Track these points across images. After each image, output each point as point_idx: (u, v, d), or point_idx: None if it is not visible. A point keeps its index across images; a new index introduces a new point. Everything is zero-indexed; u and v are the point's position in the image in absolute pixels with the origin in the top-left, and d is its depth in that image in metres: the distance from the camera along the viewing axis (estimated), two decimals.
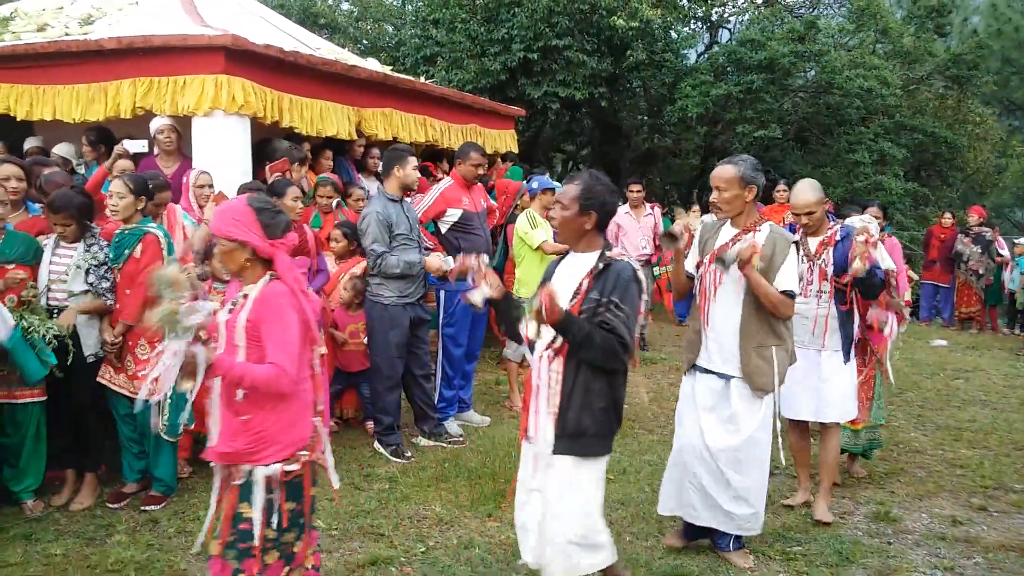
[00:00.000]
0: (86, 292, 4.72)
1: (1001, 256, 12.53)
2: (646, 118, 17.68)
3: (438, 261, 5.78)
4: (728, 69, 15.66)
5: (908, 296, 7.29)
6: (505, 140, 10.56)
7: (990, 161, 20.57)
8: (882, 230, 6.89)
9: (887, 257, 5.21)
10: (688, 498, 4.25)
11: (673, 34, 15.98)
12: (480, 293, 3.38)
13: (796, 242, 4.16)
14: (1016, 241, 12.66)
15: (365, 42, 19.13)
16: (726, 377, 4.14)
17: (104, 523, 4.65)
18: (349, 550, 4.38)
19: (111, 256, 4.76)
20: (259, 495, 2.95)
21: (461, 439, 6.22)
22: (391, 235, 5.72)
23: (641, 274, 3.41)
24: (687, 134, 17.19)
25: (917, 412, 7.51)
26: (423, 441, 6.14)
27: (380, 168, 6.44)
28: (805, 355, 4.75)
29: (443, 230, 6.34)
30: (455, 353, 6.48)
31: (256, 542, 2.94)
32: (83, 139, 6.74)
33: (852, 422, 5.28)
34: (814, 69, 15.70)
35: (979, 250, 12.40)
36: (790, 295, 4.08)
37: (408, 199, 6.07)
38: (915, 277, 7.68)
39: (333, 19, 19.24)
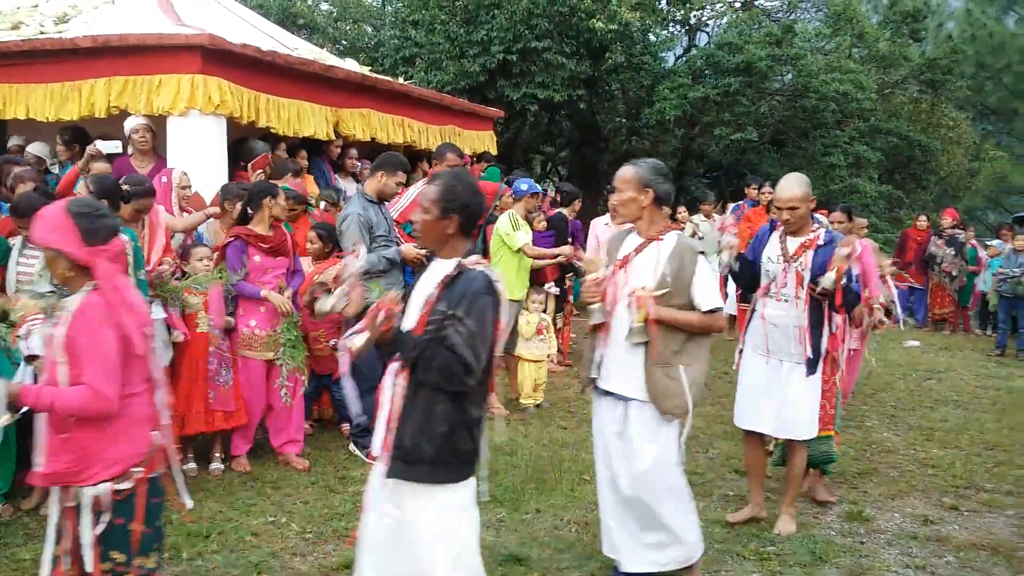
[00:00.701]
0: (52, 293, 4.67)
1: (980, 258, 12.68)
2: (624, 120, 17.75)
3: (415, 250, 5.82)
4: (706, 72, 15.76)
5: (883, 298, 7.31)
6: (484, 141, 10.57)
7: (963, 164, 20.83)
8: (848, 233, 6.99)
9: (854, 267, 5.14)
10: (611, 538, 3.93)
11: (651, 37, 16.05)
12: (360, 338, 2.93)
13: (703, 252, 3.75)
14: (988, 243, 12.82)
15: (344, 43, 19.07)
16: (624, 399, 3.75)
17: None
18: (323, 553, 4.36)
19: None
20: (86, 518, 2.76)
21: None
22: (371, 236, 5.71)
23: (500, 285, 3.01)
24: (665, 136, 17.26)
25: (890, 412, 7.59)
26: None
27: (368, 167, 6.40)
28: (769, 365, 4.56)
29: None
30: None
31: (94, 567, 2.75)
32: (57, 138, 6.68)
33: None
34: (791, 73, 15.85)
35: (952, 252, 12.54)
36: (715, 311, 3.76)
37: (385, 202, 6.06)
38: (893, 287, 7.56)
39: (312, 19, 19.17)
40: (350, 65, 8.89)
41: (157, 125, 6.27)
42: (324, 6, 20.45)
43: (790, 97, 16.41)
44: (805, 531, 4.78)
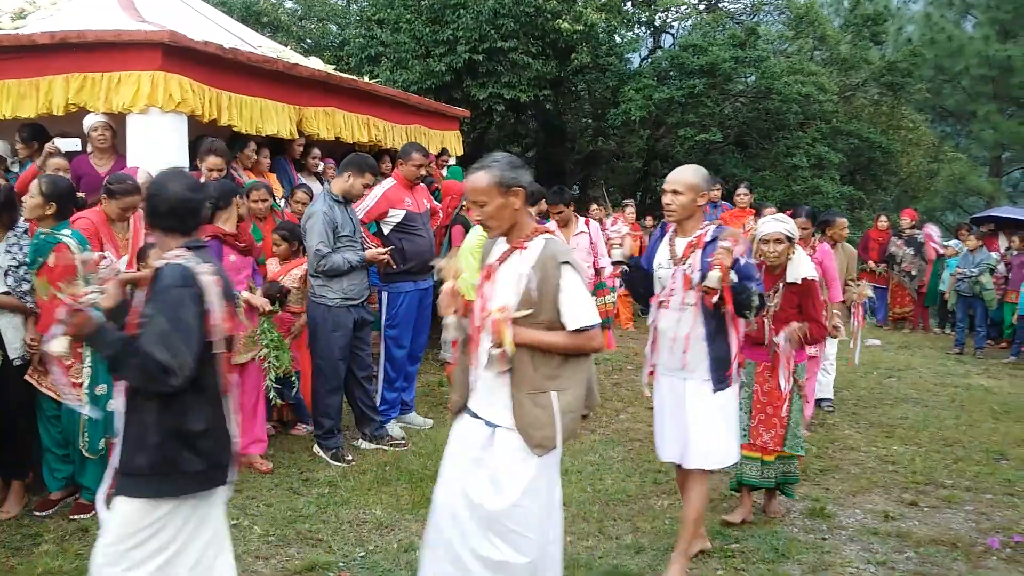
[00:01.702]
0: (7, 294, 4.58)
1: (935, 248, 12.87)
2: (590, 121, 17.81)
3: (376, 252, 5.81)
4: (671, 73, 15.88)
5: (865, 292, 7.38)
6: (450, 141, 10.54)
7: (923, 166, 21.18)
8: (813, 235, 7.02)
9: (808, 268, 4.82)
10: (441, 570, 3.24)
11: (617, 38, 16.12)
12: (58, 341, 2.78)
13: (567, 261, 3.11)
14: (946, 244, 13.03)
15: (309, 41, 18.91)
16: (492, 426, 3.20)
17: (31, 532, 4.52)
18: (286, 556, 4.32)
19: (28, 260, 4.61)
20: None
21: (403, 441, 6.19)
22: (335, 236, 5.67)
23: (204, 278, 2.79)
24: (630, 137, 17.36)
25: (851, 410, 7.69)
26: (364, 444, 6.09)
27: (332, 165, 6.36)
28: (671, 383, 4.08)
29: (386, 231, 6.30)
30: (397, 355, 6.44)
31: None
32: (16, 136, 6.55)
33: (761, 450, 4.78)
34: (754, 75, 16.02)
35: (912, 252, 12.74)
36: (590, 328, 3.11)
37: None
38: (869, 293, 7.61)
39: (276, 17, 18.97)
40: (314, 64, 8.81)
41: (117, 123, 6.17)
42: (288, 4, 20.26)
43: (753, 99, 16.58)
44: (768, 528, 4.83)
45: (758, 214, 9.19)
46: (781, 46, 17.83)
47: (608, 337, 7.46)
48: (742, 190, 10.11)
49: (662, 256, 4.14)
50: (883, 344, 11.49)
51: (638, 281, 4.31)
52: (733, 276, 3.78)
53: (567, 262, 3.12)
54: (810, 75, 15.80)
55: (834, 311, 6.53)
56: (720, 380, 3.95)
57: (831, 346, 7.46)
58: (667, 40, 19.04)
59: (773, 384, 4.74)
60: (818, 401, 7.36)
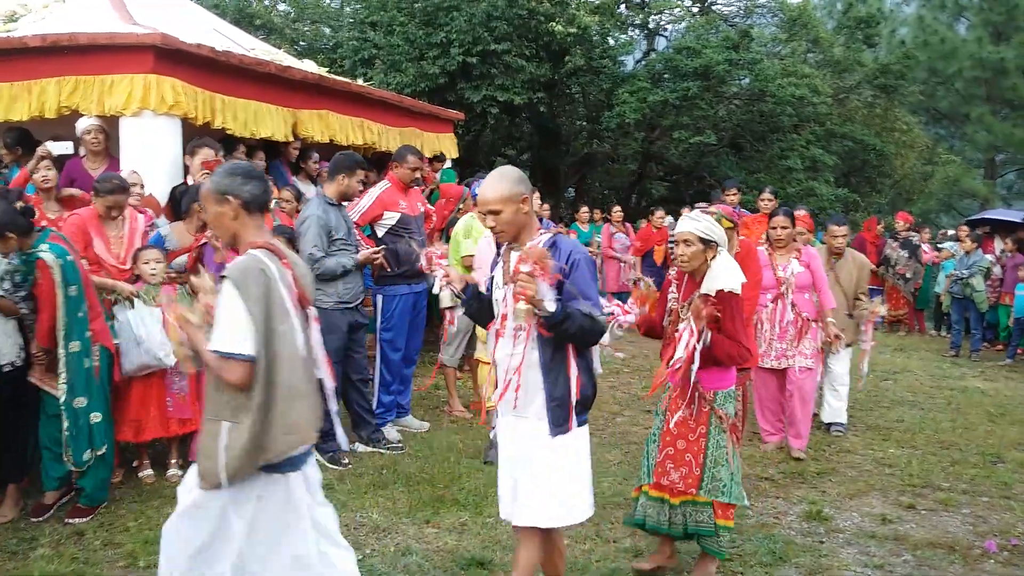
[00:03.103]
0: (1, 297, 4.54)
1: (926, 252, 12.93)
2: (585, 123, 17.82)
3: (368, 253, 5.78)
4: (665, 76, 15.90)
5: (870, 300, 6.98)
6: (444, 143, 10.52)
7: (917, 168, 21.25)
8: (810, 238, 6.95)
9: (728, 279, 3.99)
10: None
11: (611, 41, 16.15)
12: None
13: (224, 276, 2.85)
14: (940, 246, 13.06)
15: (302, 44, 18.91)
16: None
17: (27, 536, 4.48)
18: None
19: (20, 280, 4.57)
20: None
21: (400, 445, 6.16)
22: (330, 240, 5.65)
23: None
24: (625, 140, 17.37)
25: (848, 413, 7.66)
26: (361, 447, 6.06)
27: (326, 171, 6.33)
28: (507, 423, 3.39)
29: (380, 233, 6.28)
30: (393, 358, 6.42)
31: None
32: (0, 141, 6.51)
33: (668, 491, 4.02)
34: (748, 77, 16.03)
35: (906, 255, 12.76)
36: (227, 355, 2.78)
37: (344, 203, 6.00)
38: (881, 312, 7.17)
39: (269, 20, 18.98)
40: (308, 66, 8.79)
41: (110, 126, 6.14)
42: (281, 7, 20.28)
43: (747, 101, 16.61)
44: (766, 531, 4.81)
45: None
46: (774, 48, 17.87)
47: None
48: (766, 195, 8.85)
49: (498, 274, 3.44)
50: (879, 347, 11.48)
51: (483, 313, 3.54)
52: (549, 304, 3.04)
53: (224, 276, 2.84)
54: (804, 77, 15.85)
55: (828, 320, 6.21)
56: (558, 422, 3.21)
57: (838, 363, 6.91)
58: (661, 43, 19.06)
59: (688, 413, 3.99)
60: (827, 425, 7.00)
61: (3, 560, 4.20)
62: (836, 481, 5.77)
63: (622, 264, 12.27)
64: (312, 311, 3.10)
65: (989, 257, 11.94)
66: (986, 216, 15.60)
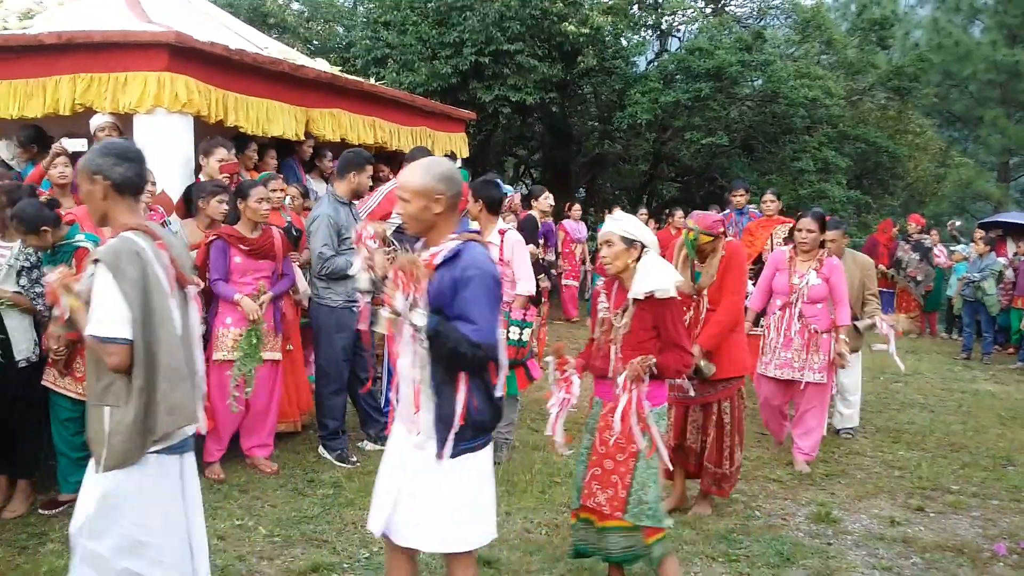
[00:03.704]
0: (19, 293, 4.59)
1: (938, 257, 12.87)
2: (597, 124, 17.79)
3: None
4: (677, 77, 15.84)
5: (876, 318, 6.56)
6: (456, 143, 10.53)
7: (930, 171, 21.11)
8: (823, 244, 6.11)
9: (657, 279, 3.68)
10: None
11: (623, 41, 16.10)
12: None
13: (97, 259, 2.81)
14: (953, 248, 13.00)
15: (315, 43, 18.95)
16: None
17: (37, 531, 4.52)
18: (291, 557, 4.31)
19: (46, 262, 4.61)
20: None
21: None
22: (340, 238, 5.68)
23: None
24: (637, 140, 17.33)
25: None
26: (369, 445, 6.08)
27: (335, 169, 6.36)
28: (400, 431, 3.15)
29: (389, 232, 6.29)
30: None
31: None
32: (14, 139, 6.56)
33: (595, 513, 3.78)
34: (760, 78, 15.96)
35: (917, 257, 12.71)
36: (103, 339, 2.77)
37: (355, 201, 6.02)
38: (906, 327, 6.90)
39: (283, 19, 19.02)
40: (320, 65, 8.81)
41: (123, 123, 6.18)
42: (295, 6, 20.32)
43: (760, 102, 16.54)
44: (773, 532, 4.81)
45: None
46: (788, 50, 17.78)
47: (520, 376, 5.70)
48: (768, 196, 8.63)
49: None
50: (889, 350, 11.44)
51: None
52: (415, 317, 2.84)
53: (96, 260, 2.82)
54: (817, 79, 15.77)
55: (842, 336, 5.86)
56: (444, 444, 2.97)
57: (848, 376, 6.76)
58: (673, 43, 19.01)
59: (618, 431, 3.68)
60: (837, 430, 6.92)
61: (13, 554, 4.24)
62: (845, 483, 5.76)
63: None
64: (192, 290, 3.09)
65: (1002, 260, 11.89)
66: (999, 219, 15.52)
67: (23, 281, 4.57)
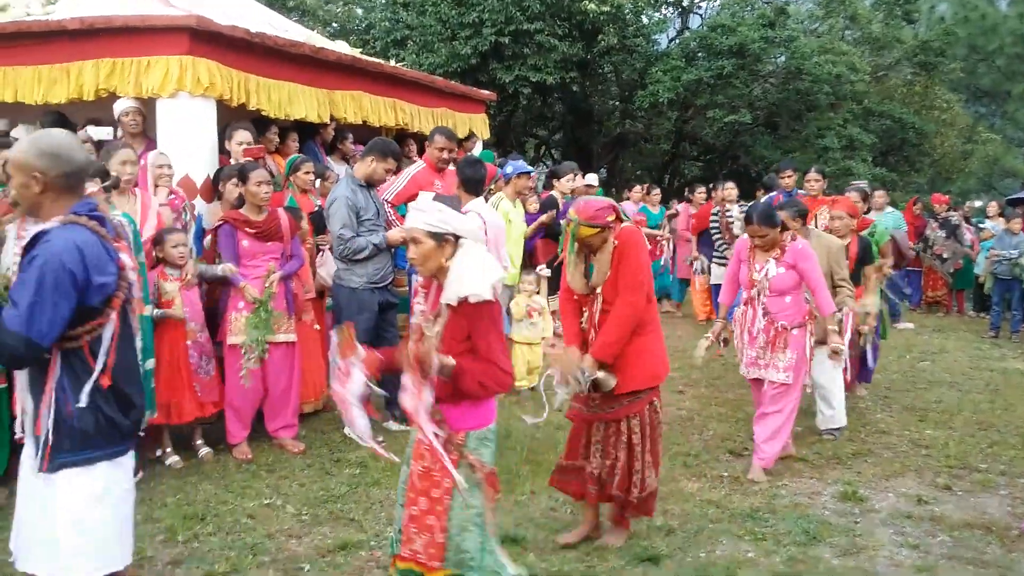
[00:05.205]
0: None
1: (968, 232, 12.71)
2: (618, 103, 17.71)
3: (400, 233, 5.79)
4: (699, 54, 15.73)
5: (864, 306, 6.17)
6: (476, 124, 10.50)
7: (956, 147, 20.86)
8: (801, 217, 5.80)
9: (471, 284, 2.98)
10: None
11: (644, 19, 16.01)
12: None
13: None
14: (981, 226, 12.83)
15: (335, 25, 18.96)
16: None
17: None
18: (319, 535, 4.35)
19: None
20: None
21: None
22: (359, 220, 5.69)
23: None
24: (659, 119, 17.25)
25: (883, 393, 7.60)
26: (394, 426, 6.11)
27: (362, 150, 6.36)
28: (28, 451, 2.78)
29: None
30: None
31: None
32: (37, 124, 6.60)
33: (415, 562, 3.11)
34: (784, 55, 15.82)
35: (943, 235, 12.56)
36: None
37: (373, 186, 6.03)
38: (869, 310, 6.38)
39: (302, 2, 19.03)
40: (341, 47, 8.81)
41: (146, 107, 6.21)
42: None
43: (783, 79, 16.39)
44: (799, 511, 4.79)
45: (866, 201, 7.47)
46: (811, 25, 17.63)
47: None
48: (813, 175, 7.98)
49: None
50: (916, 328, 11.34)
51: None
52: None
53: None
54: (841, 55, 15.61)
55: (831, 327, 5.35)
56: (41, 455, 2.64)
57: (822, 375, 5.90)
58: (695, 21, 18.84)
59: (431, 461, 3.07)
60: (821, 432, 6.19)
61: None
62: (872, 462, 5.73)
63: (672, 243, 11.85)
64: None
65: None
66: None
67: None
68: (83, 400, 2.62)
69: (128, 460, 2.82)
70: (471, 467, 3.04)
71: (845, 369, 6.04)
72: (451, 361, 2.93)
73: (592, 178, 10.27)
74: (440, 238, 3.05)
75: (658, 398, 4.23)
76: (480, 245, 3.14)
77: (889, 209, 11.99)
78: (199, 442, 5.49)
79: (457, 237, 3.07)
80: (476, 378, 2.97)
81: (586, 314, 4.16)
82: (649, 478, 4.14)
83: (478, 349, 3.00)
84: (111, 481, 2.73)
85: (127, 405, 2.75)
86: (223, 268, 5.40)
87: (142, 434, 3.13)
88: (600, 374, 3.97)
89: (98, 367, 2.66)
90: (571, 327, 4.23)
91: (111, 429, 2.70)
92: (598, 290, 4.08)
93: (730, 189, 10.41)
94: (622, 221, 4.12)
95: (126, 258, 2.80)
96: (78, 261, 2.57)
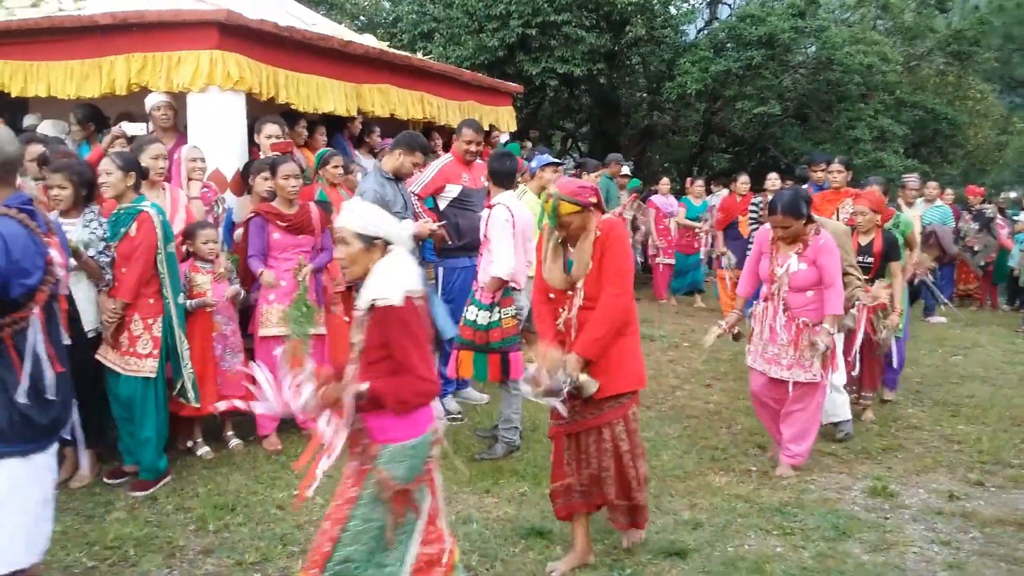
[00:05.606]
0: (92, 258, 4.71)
1: (1001, 225, 12.53)
2: (645, 95, 17.58)
3: (428, 226, 5.81)
4: (728, 45, 15.55)
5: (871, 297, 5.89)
6: (503, 117, 10.50)
7: (990, 138, 20.54)
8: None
9: (387, 287, 2.85)
10: None
11: (672, 9, 15.86)
12: None
13: None
14: (1016, 218, 12.64)
15: (362, 18, 19.01)
16: None
17: (103, 500, 4.67)
18: None
19: (109, 234, 4.75)
20: None
21: (459, 416, 6.23)
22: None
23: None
24: (686, 111, 17.11)
25: (915, 388, 7.52)
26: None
27: (388, 147, 6.37)
28: None
29: (442, 206, 6.32)
30: None
31: None
32: (71, 117, 6.69)
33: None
34: (814, 45, 15.60)
35: (976, 227, 12.39)
36: None
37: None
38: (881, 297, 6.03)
39: None
40: (368, 41, 8.84)
41: (177, 102, 6.27)
42: None
43: (814, 70, 16.16)
44: (829, 506, 4.76)
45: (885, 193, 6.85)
46: (842, 15, 17.40)
47: (493, 364, 5.32)
48: (836, 166, 7.74)
49: None
50: (948, 322, 11.20)
51: None
52: None
53: None
54: (873, 45, 15.35)
55: (825, 326, 5.05)
56: None
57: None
58: (724, 11, 18.66)
59: (349, 470, 3.05)
60: (834, 424, 5.94)
61: (80, 522, 4.38)
62: (902, 457, 5.67)
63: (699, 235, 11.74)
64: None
65: None
66: None
67: (91, 252, 4.69)
68: (50, 395, 2.69)
69: (46, 458, 2.81)
70: (379, 483, 2.91)
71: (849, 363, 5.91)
72: (363, 388, 2.82)
73: (625, 169, 10.27)
74: (369, 241, 2.93)
75: (637, 405, 4.03)
76: (408, 253, 3.03)
77: (939, 202, 11.84)
78: (229, 433, 5.55)
79: (387, 243, 2.96)
80: (393, 396, 2.84)
81: (563, 315, 3.91)
82: (643, 475, 4.02)
83: (394, 358, 2.85)
84: (20, 478, 2.71)
85: (45, 403, 2.73)
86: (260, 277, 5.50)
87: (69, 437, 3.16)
88: (583, 377, 3.74)
89: (27, 368, 2.66)
90: (547, 331, 3.95)
91: (24, 426, 2.68)
92: (578, 285, 3.85)
93: (743, 183, 10.43)
94: (604, 212, 3.97)
95: (55, 253, 2.78)
96: (1, 252, 2.56)
